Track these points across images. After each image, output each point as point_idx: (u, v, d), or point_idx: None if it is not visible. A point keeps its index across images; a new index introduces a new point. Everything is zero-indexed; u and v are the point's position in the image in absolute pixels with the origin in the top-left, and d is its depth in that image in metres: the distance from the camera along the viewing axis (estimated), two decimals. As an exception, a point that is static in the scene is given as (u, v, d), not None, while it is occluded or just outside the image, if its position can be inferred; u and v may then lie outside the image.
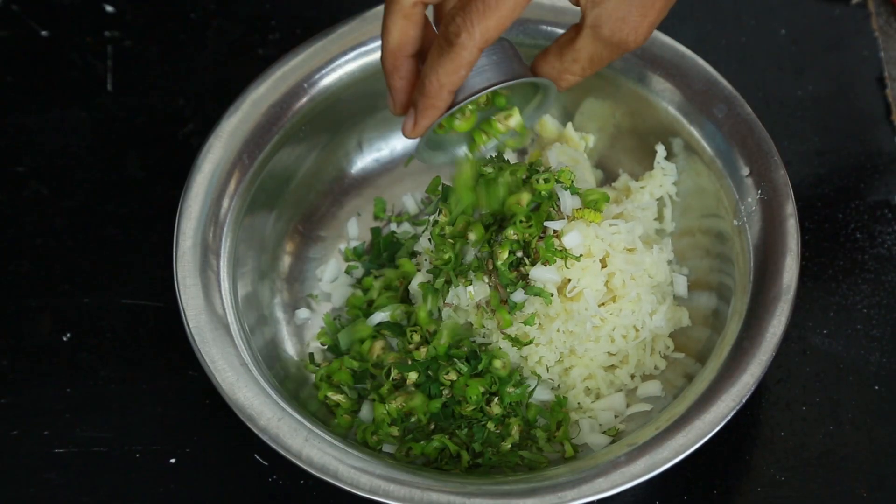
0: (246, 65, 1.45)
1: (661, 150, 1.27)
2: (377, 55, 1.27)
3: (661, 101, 1.26)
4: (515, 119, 1.12)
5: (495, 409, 1.18)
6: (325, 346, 1.26)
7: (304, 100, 1.27)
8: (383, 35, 1.04)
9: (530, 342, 1.18)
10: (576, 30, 1.07)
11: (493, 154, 1.23)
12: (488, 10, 0.99)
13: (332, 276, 1.30)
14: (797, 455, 1.21)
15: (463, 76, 1.02)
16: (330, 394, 1.21)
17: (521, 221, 1.15)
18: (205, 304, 1.16)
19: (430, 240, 1.21)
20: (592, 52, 1.07)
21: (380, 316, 1.24)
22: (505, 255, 1.15)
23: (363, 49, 1.28)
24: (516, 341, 1.18)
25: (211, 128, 1.24)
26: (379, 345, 1.23)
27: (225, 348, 1.14)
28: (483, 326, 1.20)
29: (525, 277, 1.16)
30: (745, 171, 1.21)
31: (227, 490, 1.21)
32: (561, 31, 1.22)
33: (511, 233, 1.15)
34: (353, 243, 1.32)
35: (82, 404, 1.26)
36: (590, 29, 1.05)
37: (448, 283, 1.18)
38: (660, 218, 1.29)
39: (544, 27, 1.28)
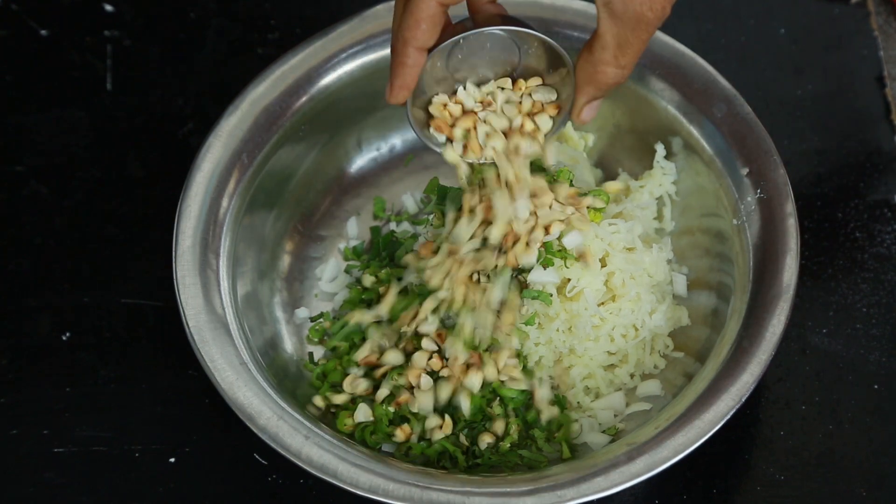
0: (245, 64, 1.45)
1: (660, 149, 1.27)
2: (377, 54, 1.27)
3: (661, 100, 1.26)
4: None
5: (496, 409, 1.18)
6: (326, 346, 1.26)
7: (304, 99, 1.27)
8: (401, 28, 1.02)
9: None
10: (597, 19, 1.03)
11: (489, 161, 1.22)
12: None
13: (331, 276, 1.30)
14: (797, 454, 1.21)
15: (425, 31, 1.01)
16: (328, 393, 1.21)
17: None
18: (204, 303, 1.16)
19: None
20: (616, 34, 1.01)
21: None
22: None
23: (363, 48, 1.28)
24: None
25: (210, 127, 1.24)
26: (370, 347, 1.22)
27: (224, 348, 1.14)
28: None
29: (525, 285, 1.17)
30: (745, 170, 1.20)
31: (227, 490, 1.21)
32: (568, 31, 1.23)
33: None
34: (353, 242, 1.32)
35: (82, 404, 1.26)
36: (603, 8, 1.01)
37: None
38: (659, 217, 1.29)
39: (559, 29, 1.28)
